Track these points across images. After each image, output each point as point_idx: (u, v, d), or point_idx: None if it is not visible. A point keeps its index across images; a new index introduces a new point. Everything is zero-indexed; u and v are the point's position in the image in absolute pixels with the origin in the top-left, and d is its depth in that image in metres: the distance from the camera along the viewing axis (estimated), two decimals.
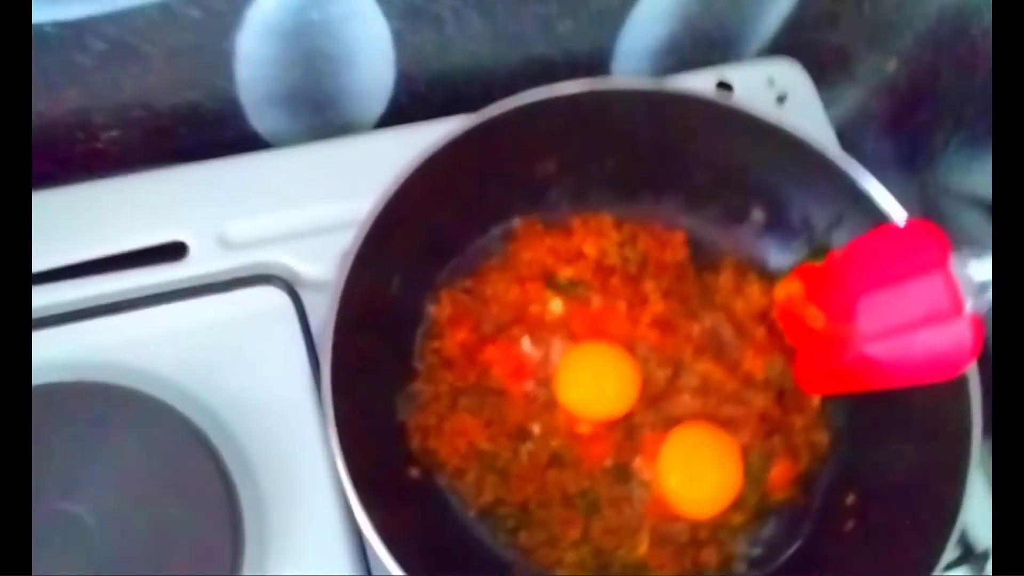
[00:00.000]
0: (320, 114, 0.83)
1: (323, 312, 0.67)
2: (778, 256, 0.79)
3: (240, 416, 0.70)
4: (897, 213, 0.72)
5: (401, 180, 0.67)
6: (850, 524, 0.71)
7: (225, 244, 0.76)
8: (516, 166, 0.75)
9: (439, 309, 0.74)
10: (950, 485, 0.65)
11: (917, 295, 0.67)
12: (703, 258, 0.79)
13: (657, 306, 0.76)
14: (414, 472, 0.70)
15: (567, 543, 0.70)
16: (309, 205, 0.79)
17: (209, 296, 0.75)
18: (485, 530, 0.70)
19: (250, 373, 0.72)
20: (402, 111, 0.85)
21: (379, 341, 0.71)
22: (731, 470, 0.72)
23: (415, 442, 0.70)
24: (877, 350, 0.70)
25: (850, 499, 0.73)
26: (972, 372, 0.67)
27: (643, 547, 0.71)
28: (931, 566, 0.62)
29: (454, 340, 0.73)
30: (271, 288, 0.76)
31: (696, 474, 0.72)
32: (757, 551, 0.73)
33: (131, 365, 0.70)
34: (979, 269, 0.64)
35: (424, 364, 0.73)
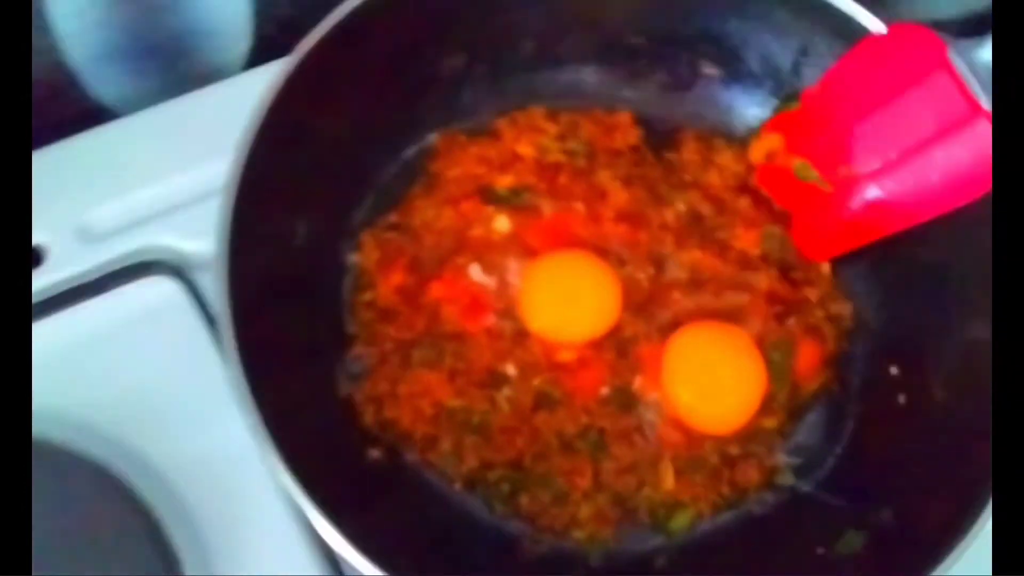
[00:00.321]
0: (172, 65, 0.68)
1: None
2: (744, 113, 0.68)
3: (154, 443, 0.57)
4: (872, 23, 0.60)
5: (268, 105, 0.53)
6: (901, 399, 0.59)
7: (88, 237, 0.63)
8: (417, 66, 0.62)
9: (363, 255, 0.61)
10: None
11: (919, 106, 0.57)
12: (658, 136, 0.67)
13: (618, 197, 0.63)
14: (375, 453, 0.57)
15: (578, 496, 0.57)
16: (179, 172, 0.65)
17: (83, 302, 0.62)
18: (477, 503, 0.58)
19: (153, 385, 0.59)
20: (272, 43, 0.71)
21: (296, 309, 0.57)
22: (750, 369, 0.60)
23: (368, 417, 0.57)
24: (886, 187, 0.58)
25: (893, 371, 0.62)
26: None
27: (668, 480, 0.59)
28: None
29: (388, 286, 0.60)
30: (155, 278, 0.62)
31: (711, 383, 0.60)
32: (799, 459, 0.61)
33: None
34: (982, 52, 0.53)
35: (359, 324, 0.60)
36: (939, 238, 0.60)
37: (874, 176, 0.60)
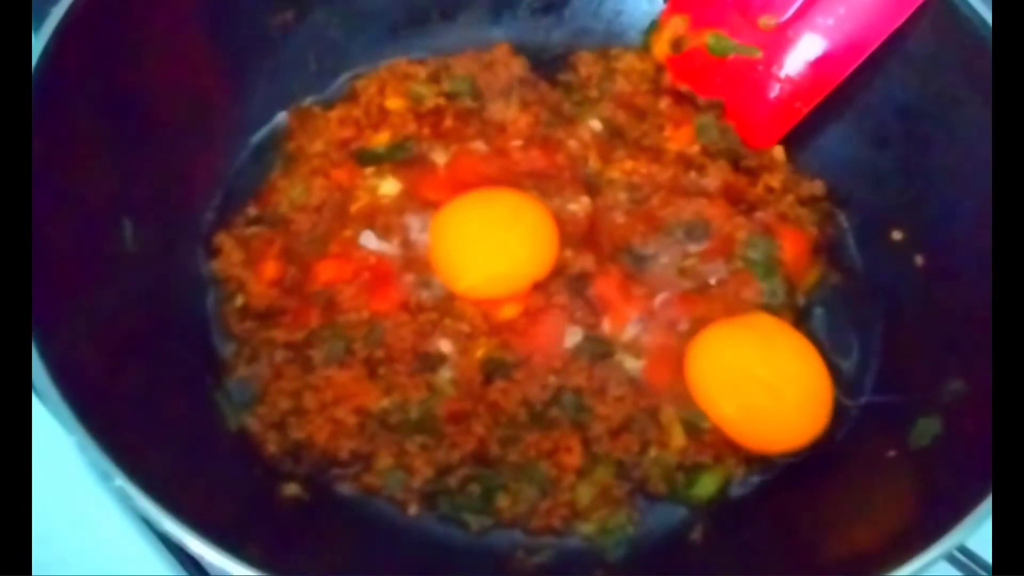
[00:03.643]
0: None
1: None
2: (633, 13, 0.58)
3: None
4: None
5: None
6: (919, 260, 0.49)
7: None
8: (242, 27, 0.50)
9: (223, 260, 0.48)
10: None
11: None
12: (546, 64, 0.57)
13: (519, 124, 0.52)
14: (291, 489, 0.42)
15: (570, 478, 0.45)
16: None
17: None
18: (444, 524, 0.43)
19: None
20: None
21: (149, 345, 0.43)
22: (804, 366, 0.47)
23: (271, 447, 0.43)
24: (817, 23, 0.49)
25: (896, 236, 0.52)
26: None
27: (677, 435, 0.47)
28: None
29: (261, 283, 0.47)
30: None
31: (762, 401, 0.46)
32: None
33: None
34: None
35: (235, 339, 0.46)
36: (899, 74, 0.51)
37: (800, 14, 0.51)
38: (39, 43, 0.41)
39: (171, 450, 0.38)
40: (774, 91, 0.54)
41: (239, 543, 0.34)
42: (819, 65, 0.52)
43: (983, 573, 0.44)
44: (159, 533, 0.36)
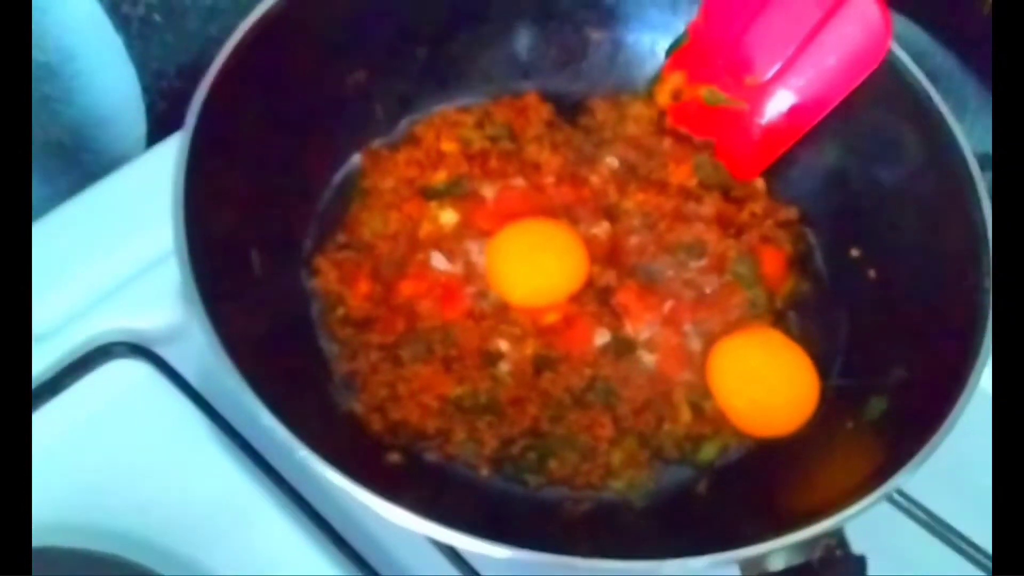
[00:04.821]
0: (75, 161, 0.66)
1: (193, 362, 0.57)
2: (641, 65, 0.71)
3: (183, 538, 0.55)
4: None
5: (186, 158, 0.52)
6: (872, 274, 0.62)
7: (33, 338, 0.59)
8: (323, 89, 0.62)
9: (322, 278, 0.60)
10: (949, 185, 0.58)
11: None
12: (568, 108, 0.70)
13: (552, 164, 0.65)
14: (394, 458, 0.54)
15: (604, 446, 0.56)
16: (107, 257, 0.64)
17: (56, 398, 0.58)
18: (509, 482, 0.56)
19: (151, 472, 0.56)
20: (166, 120, 0.70)
21: (277, 341, 0.55)
22: (796, 368, 0.59)
23: (376, 426, 0.55)
24: (791, 83, 0.62)
25: (855, 253, 0.64)
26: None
27: (685, 413, 0.59)
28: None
29: (358, 296, 0.59)
30: (116, 362, 0.59)
31: (761, 389, 0.59)
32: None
33: None
34: None
35: (338, 343, 0.58)
36: (854, 126, 0.63)
37: (778, 76, 0.63)
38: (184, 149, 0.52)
39: (307, 429, 0.50)
40: (756, 134, 0.66)
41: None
42: (792, 115, 0.64)
43: (921, 514, 0.57)
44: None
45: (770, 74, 0.63)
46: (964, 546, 0.56)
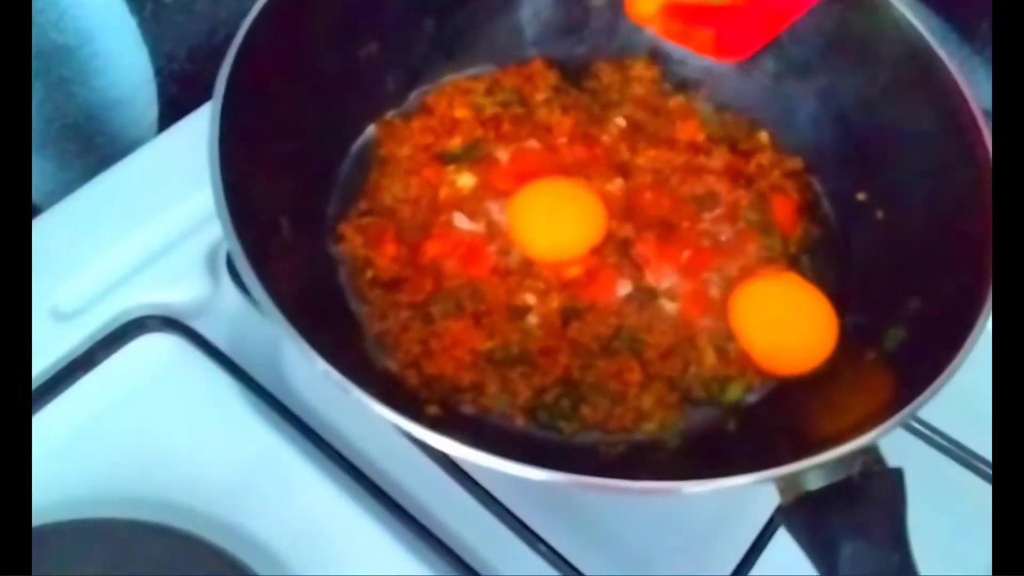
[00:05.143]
0: (90, 144, 0.67)
1: (224, 332, 0.59)
2: (641, 30, 0.72)
3: (236, 509, 0.55)
4: None
5: (216, 136, 0.52)
6: (879, 214, 0.64)
7: (64, 316, 0.60)
8: (337, 61, 0.63)
9: (348, 243, 0.61)
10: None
11: None
12: (574, 73, 0.72)
13: (564, 125, 0.67)
14: (432, 410, 0.55)
15: (635, 390, 0.58)
16: (131, 235, 0.64)
17: (91, 373, 0.59)
18: (544, 430, 0.57)
19: (192, 444, 0.57)
20: (177, 104, 0.71)
21: (312, 303, 0.56)
22: (814, 309, 0.61)
23: (412, 380, 0.56)
24: None
25: (861, 196, 0.66)
26: None
27: (709, 356, 0.61)
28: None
29: (385, 259, 0.60)
30: (149, 335, 0.60)
31: (780, 328, 0.61)
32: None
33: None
34: None
35: (368, 304, 0.59)
36: (854, 75, 0.66)
37: None
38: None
39: (354, 378, 0.50)
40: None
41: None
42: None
43: (940, 439, 0.60)
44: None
45: None
46: (973, 461, 0.59)
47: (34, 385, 0.56)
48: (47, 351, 0.58)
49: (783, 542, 0.50)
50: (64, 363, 0.58)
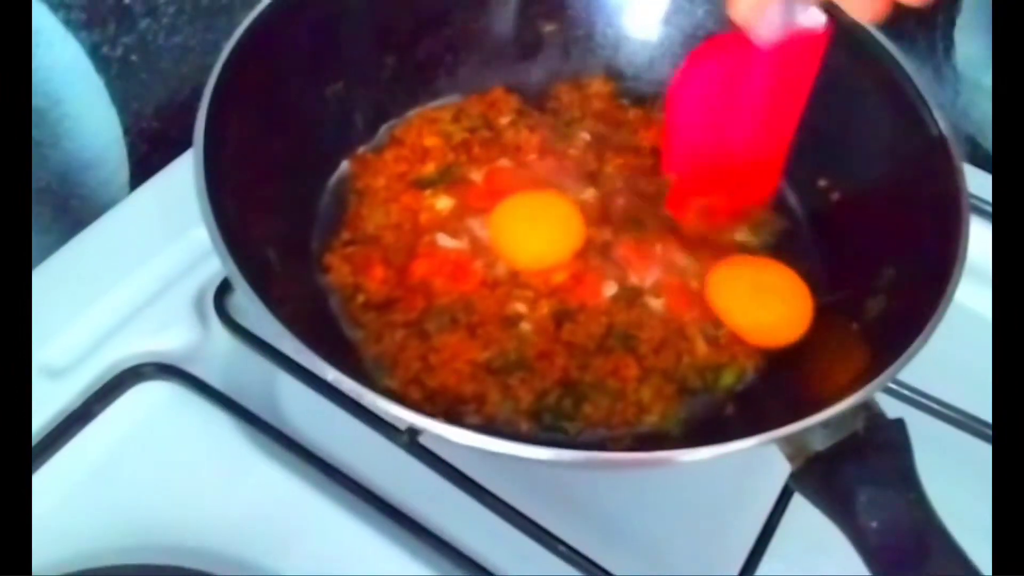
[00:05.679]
0: (64, 208, 0.67)
1: (217, 372, 0.60)
2: (595, 51, 0.75)
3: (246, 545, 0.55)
4: None
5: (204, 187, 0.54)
6: (835, 196, 0.68)
7: (55, 372, 0.59)
8: (305, 103, 0.65)
9: (336, 273, 0.62)
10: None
11: None
12: (534, 98, 0.74)
13: (531, 142, 0.69)
14: None
15: (633, 385, 0.59)
16: (118, 287, 0.64)
17: (89, 426, 0.58)
18: (549, 432, 0.58)
19: (201, 487, 0.57)
20: (147, 163, 0.72)
21: (316, 339, 0.56)
22: (789, 283, 0.63)
23: (416, 396, 0.57)
24: None
25: (822, 183, 0.69)
26: None
27: (700, 346, 0.62)
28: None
29: (375, 282, 0.61)
30: (145, 384, 0.59)
31: (759, 302, 0.63)
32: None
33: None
34: None
35: (363, 327, 0.60)
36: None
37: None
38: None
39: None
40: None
41: None
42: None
43: (920, 399, 0.62)
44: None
45: None
46: (973, 423, 0.60)
47: (32, 442, 0.56)
48: (43, 408, 0.58)
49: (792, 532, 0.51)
50: (61, 418, 0.57)
